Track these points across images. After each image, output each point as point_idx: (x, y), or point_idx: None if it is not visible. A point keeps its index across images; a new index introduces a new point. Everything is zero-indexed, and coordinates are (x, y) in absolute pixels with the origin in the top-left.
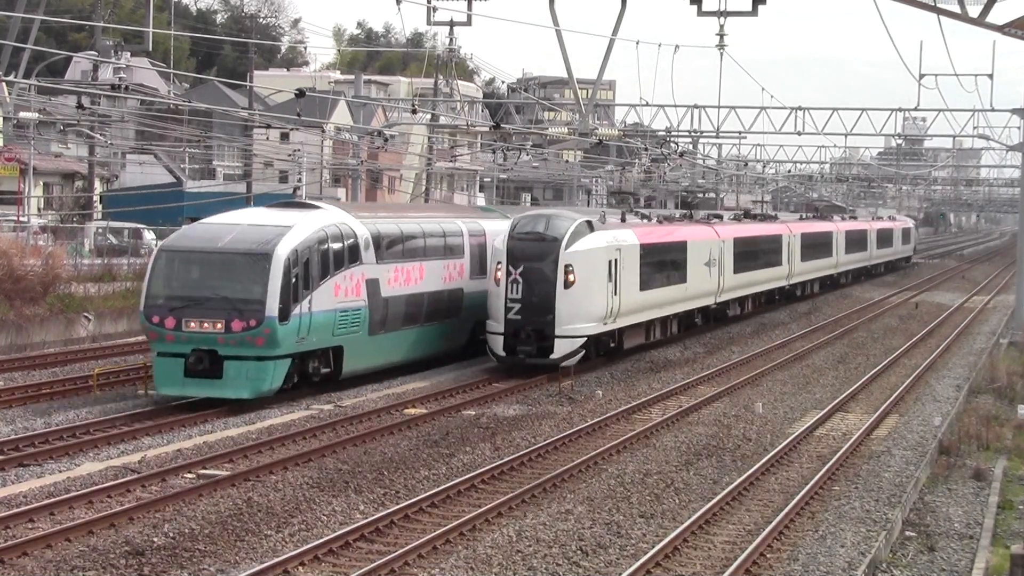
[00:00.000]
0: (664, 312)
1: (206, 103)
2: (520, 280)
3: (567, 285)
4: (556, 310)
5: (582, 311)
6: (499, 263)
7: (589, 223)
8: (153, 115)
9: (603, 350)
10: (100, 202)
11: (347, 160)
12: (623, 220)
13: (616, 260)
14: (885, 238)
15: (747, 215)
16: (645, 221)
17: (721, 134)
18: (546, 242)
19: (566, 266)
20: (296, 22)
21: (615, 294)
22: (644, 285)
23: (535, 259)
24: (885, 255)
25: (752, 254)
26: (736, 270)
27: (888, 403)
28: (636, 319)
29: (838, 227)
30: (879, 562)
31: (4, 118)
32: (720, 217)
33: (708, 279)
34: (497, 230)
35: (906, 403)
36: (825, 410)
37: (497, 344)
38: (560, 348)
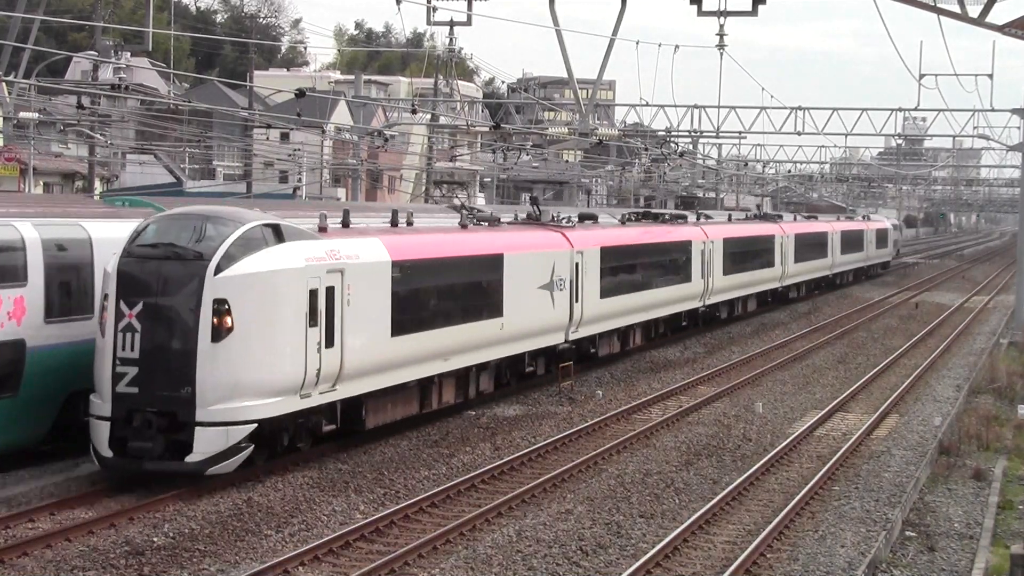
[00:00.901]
0: (453, 365)
1: (206, 103)
2: (138, 326)
3: (219, 335)
4: (197, 378)
5: (250, 378)
6: (106, 297)
7: (275, 228)
8: (153, 115)
9: (311, 436)
10: None
11: (347, 160)
12: (395, 224)
13: (332, 289)
14: (852, 241)
15: (646, 215)
16: (448, 224)
17: (721, 134)
18: (184, 261)
19: (217, 302)
20: (296, 22)
21: (329, 345)
22: (403, 326)
23: (164, 290)
24: (852, 262)
25: (636, 268)
26: (607, 292)
27: (888, 403)
28: (386, 381)
29: (783, 229)
30: (879, 562)
31: (4, 118)
32: (593, 218)
33: (550, 309)
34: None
35: (906, 403)
36: (825, 410)
37: (100, 435)
38: (204, 444)
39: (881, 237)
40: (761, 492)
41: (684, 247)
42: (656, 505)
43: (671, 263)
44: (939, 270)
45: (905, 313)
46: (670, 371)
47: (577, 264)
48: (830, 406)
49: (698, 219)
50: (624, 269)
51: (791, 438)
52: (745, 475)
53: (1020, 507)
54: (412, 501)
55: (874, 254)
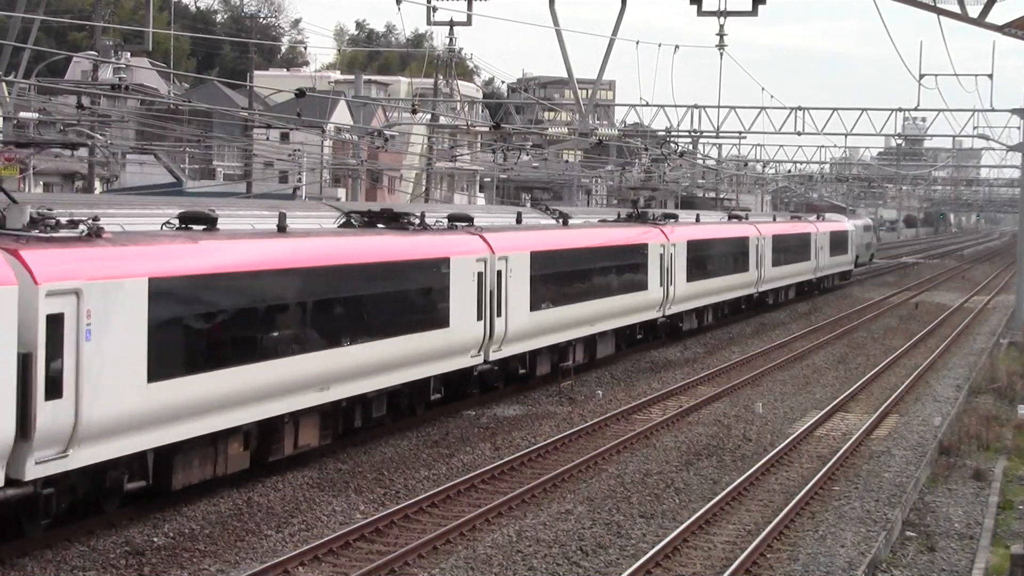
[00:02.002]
0: None
1: (206, 103)
2: None
3: None
4: None
5: None
6: None
7: None
8: (153, 115)
9: None
10: None
11: (347, 160)
12: None
13: None
14: (792, 249)
15: (380, 215)
16: None
17: (721, 134)
18: None
19: None
20: (296, 22)
21: None
22: None
23: None
24: (792, 275)
25: (297, 311)
26: (181, 364)
27: (888, 403)
28: None
29: (667, 235)
30: (879, 562)
31: (4, 118)
32: (204, 221)
33: None
34: None
35: (906, 403)
36: (825, 410)
37: None
38: None
39: (838, 241)
40: (761, 492)
41: (431, 270)
42: (656, 505)
43: (402, 299)
44: (939, 270)
45: (905, 313)
46: (670, 371)
47: (57, 320)
48: (830, 406)
49: (519, 221)
50: (251, 316)
51: (791, 438)
52: (745, 475)
53: (1020, 507)
54: (412, 501)
55: (827, 263)
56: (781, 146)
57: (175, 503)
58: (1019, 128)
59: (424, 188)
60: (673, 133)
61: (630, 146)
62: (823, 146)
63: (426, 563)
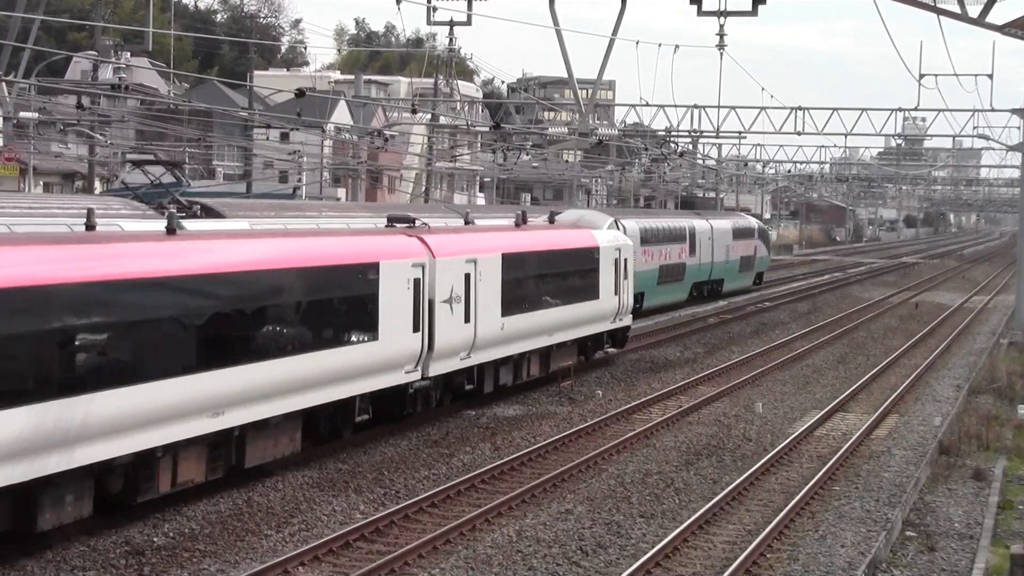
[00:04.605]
0: None
1: (206, 103)
2: None
3: None
4: None
5: None
6: None
7: None
8: (153, 115)
9: None
10: None
11: (347, 160)
12: None
13: None
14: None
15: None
16: None
17: (721, 134)
18: None
19: None
20: (297, 23)
21: None
22: None
23: None
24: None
25: None
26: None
27: (888, 403)
28: None
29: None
30: (879, 562)
31: (4, 118)
32: None
33: None
34: None
35: (906, 403)
36: (825, 410)
37: None
38: None
39: (562, 272)
40: (761, 492)
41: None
42: (656, 505)
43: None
44: (939, 270)
45: (905, 313)
46: (670, 371)
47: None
48: (830, 406)
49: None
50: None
51: (791, 438)
52: (745, 475)
53: (1020, 507)
54: (412, 501)
55: (484, 337)
56: (781, 146)
57: (175, 503)
58: (1019, 128)
59: (424, 188)
60: (673, 133)
61: (630, 146)
62: (823, 146)
63: (426, 563)
